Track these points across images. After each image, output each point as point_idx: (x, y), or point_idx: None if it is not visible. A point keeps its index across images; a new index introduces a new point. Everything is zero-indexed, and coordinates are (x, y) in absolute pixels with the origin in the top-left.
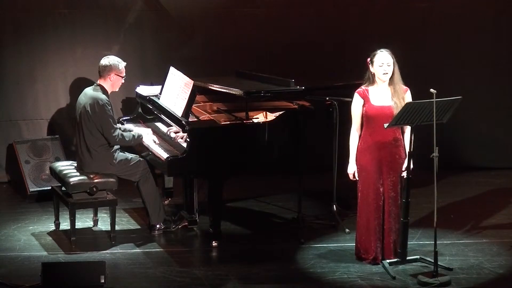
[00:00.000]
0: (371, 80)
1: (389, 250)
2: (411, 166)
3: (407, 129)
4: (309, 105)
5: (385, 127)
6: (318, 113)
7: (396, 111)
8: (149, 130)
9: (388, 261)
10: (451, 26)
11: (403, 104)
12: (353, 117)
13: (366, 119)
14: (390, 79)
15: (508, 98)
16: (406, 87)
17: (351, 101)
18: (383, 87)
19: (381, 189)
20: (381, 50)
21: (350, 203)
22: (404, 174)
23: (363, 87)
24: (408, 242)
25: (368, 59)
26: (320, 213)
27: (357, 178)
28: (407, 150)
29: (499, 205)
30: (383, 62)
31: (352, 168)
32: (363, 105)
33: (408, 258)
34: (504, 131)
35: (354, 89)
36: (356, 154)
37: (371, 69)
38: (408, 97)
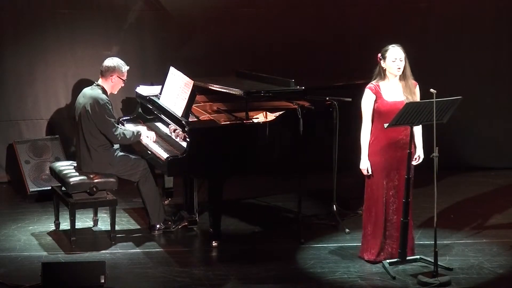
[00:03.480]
0: (382, 75)
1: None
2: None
3: (417, 130)
4: (309, 105)
5: (385, 127)
6: (318, 113)
7: None
8: (145, 128)
9: (388, 261)
10: (451, 26)
11: (415, 99)
12: (364, 113)
13: (378, 115)
14: (401, 74)
15: (508, 98)
16: (415, 81)
17: (351, 101)
18: (394, 82)
19: (389, 184)
20: (393, 45)
21: (350, 203)
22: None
23: (373, 82)
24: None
25: (379, 55)
26: (320, 213)
27: (370, 173)
28: (414, 149)
29: (499, 205)
30: (396, 57)
31: (365, 164)
32: (375, 101)
33: (408, 258)
34: (504, 131)
35: (354, 89)
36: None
37: (383, 64)
38: (418, 92)
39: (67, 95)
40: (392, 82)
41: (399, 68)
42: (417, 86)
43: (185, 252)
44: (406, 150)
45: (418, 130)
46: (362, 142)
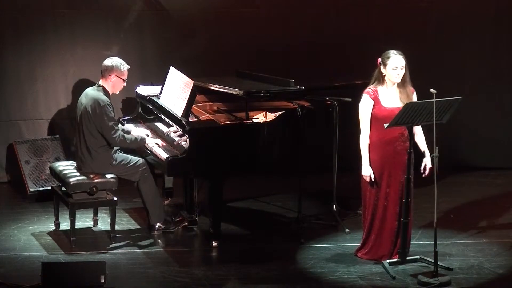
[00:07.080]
0: (381, 80)
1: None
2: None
3: (418, 130)
4: (309, 105)
5: (385, 127)
6: (318, 113)
7: None
8: (148, 132)
9: (388, 261)
10: (451, 26)
11: None
12: (362, 118)
13: (375, 120)
14: (400, 81)
15: (508, 98)
16: (412, 88)
17: (350, 101)
18: (392, 88)
19: (387, 190)
20: (394, 53)
21: (350, 203)
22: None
23: (371, 87)
24: None
25: (379, 59)
26: (320, 213)
27: (373, 179)
28: (422, 149)
29: (499, 205)
30: (397, 65)
31: (368, 170)
32: (373, 107)
33: (408, 258)
34: (504, 131)
35: (354, 89)
36: None
37: (382, 70)
38: (415, 99)
39: (67, 95)
40: (391, 88)
41: (399, 76)
42: (414, 93)
43: (185, 252)
44: (401, 156)
45: (420, 136)
46: (362, 148)
